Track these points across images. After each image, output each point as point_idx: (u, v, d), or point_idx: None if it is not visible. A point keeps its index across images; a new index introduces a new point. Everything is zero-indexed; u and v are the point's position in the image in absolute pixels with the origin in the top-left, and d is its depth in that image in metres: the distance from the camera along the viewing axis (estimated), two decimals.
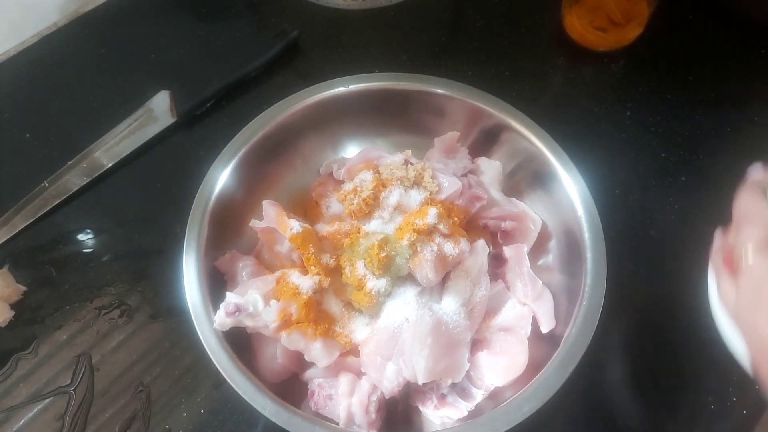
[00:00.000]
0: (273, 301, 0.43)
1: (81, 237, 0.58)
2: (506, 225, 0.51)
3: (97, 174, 0.60)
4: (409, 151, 0.51)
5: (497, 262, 0.51)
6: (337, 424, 0.43)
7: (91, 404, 0.49)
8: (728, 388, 0.50)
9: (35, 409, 0.49)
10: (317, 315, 0.44)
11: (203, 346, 0.43)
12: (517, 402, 0.41)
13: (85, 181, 0.60)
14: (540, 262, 0.52)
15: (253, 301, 0.43)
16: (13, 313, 0.53)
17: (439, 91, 0.54)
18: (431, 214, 0.45)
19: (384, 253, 0.44)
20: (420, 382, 0.42)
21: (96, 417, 0.49)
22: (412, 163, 0.50)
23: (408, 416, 0.46)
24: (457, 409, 0.43)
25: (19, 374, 0.51)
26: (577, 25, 0.67)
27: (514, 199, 0.53)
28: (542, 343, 0.46)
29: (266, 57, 0.67)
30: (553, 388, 0.41)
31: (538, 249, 0.52)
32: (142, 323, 0.53)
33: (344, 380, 0.44)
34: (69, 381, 0.50)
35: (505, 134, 0.53)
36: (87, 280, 0.55)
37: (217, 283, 0.47)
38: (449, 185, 0.49)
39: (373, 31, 0.72)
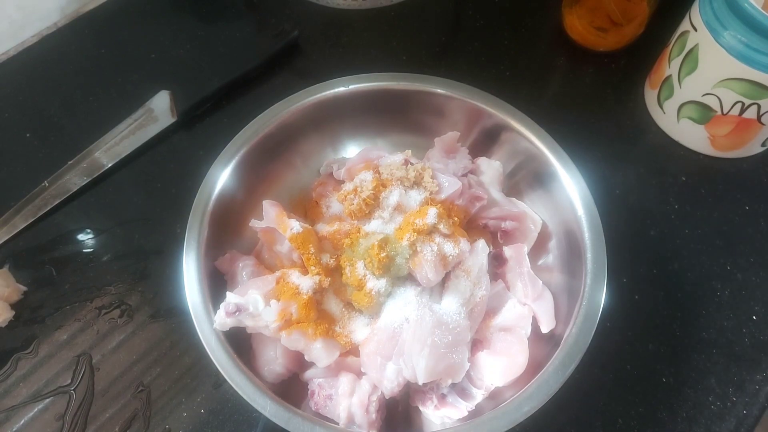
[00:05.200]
0: (273, 301, 0.43)
1: (81, 237, 0.58)
2: (506, 225, 0.51)
3: (97, 174, 0.60)
4: (409, 151, 0.51)
5: (497, 262, 0.51)
6: (337, 424, 0.43)
7: (91, 404, 0.49)
8: (728, 388, 0.50)
9: (35, 409, 0.49)
10: (317, 315, 0.44)
11: (203, 346, 0.43)
12: (517, 402, 0.41)
13: (85, 181, 0.60)
14: (540, 262, 0.52)
15: (253, 301, 0.43)
16: (13, 313, 0.53)
17: (439, 91, 0.54)
18: (431, 214, 0.45)
19: (384, 253, 0.44)
20: (420, 382, 0.42)
21: (96, 417, 0.49)
22: (412, 163, 0.50)
23: (408, 416, 0.46)
24: (457, 409, 0.43)
25: (19, 374, 0.51)
26: (577, 25, 0.67)
27: (514, 199, 0.53)
28: (542, 343, 0.46)
29: (266, 57, 0.67)
30: (553, 388, 0.41)
31: (538, 249, 0.52)
32: (142, 323, 0.53)
33: (344, 380, 0.44)
34: (69, 381, 0.50)
35: (505, 134, 0.53)
36: (87, 280, 0.55)
37: (217, 283, 0.47)
38: (449, 185, 0.49)
39: (373, 31, 0.72)
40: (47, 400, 0.49)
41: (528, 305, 0.48)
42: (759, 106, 0.54)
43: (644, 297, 0.54)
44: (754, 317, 0.53)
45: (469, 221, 0.51)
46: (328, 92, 0.53)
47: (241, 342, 0.45)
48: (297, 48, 0.69)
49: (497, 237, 0.52)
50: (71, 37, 0.71)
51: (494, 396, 0.45)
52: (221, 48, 0.70)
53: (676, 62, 0.58)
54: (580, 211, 0.47)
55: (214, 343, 0.43)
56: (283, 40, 0.68)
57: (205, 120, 0.64)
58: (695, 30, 0.55)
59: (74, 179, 0.60)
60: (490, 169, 0.54)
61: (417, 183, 0.49)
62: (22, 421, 0.49)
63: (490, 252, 0.49)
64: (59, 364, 0.51)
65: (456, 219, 0.48)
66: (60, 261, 0.56)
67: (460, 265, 0.47)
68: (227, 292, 0.43)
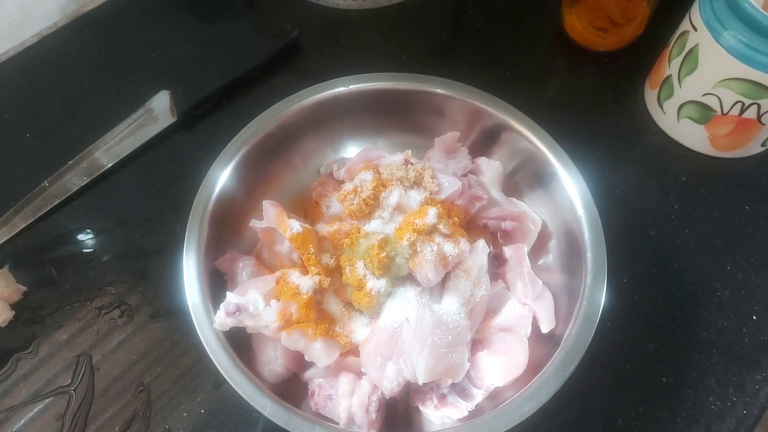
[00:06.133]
0: (273, 301, 0.43)
1: (81, 237, 0.58)
2: (506, 225, 0.51)
3: (97, 174, 0.60)
4: (409, 151, 0.51)
5: (497, 262, 0.51)
6: (337, 424, 0.43)
7: (91, 404, 0.49)
8: (728, 388, 0.50)
9: (35, 409, 0.49)
10: (317, 315, 0.44)
11: (203, 346, 0.43)
12: (517, 402, 0.41)
13: (85, 181, 0.60)
14: (540, 262, 0.52)
15: (253, 301, 0.43)
16: (13, 313, 0.53)
17: (439, 91, 0.54)
18: (431, 214, 0.45)
19: (384, 253, 0.44)
20: (420, 382, 0.42)
21: (96, 417, 0.49)
22: (412, 163, 0.50)
23: (408, 416, 0.46)
24: (457, 409, 0.43)
25: (19, 374, 0.51)
26: (577, 25, 0.67)
27: (514, 199, 0.53)
28: (542, 343, 0.46)
29: (266, 57, 0.67)
30: (553, 388, 0.41)
31: (538, 249, 0.52)
32: (142, 323, 0.53)
33: (344, 380, 0.44)
34: (69, 381, 0.50)
35: (505, 134, 0.53)
36: (87, 280, 0.55)
37: (217, 283, 0.47)
38: (449, 185, 0.49)
39: (373, 31, 0.72)
40: (47, 400, 0.49)
41: (528, 305, 0.48)
42: (759, 106, 0.54)
43: (644, 297, 0.54)
44: (754, 317, 0.53)
45: (469, 221, 0.51)
46: (328, 92, 0.53)
47: (241, 342, 0.45)
48: (297, 48, 0.69)
49: (497, 237, 0.52)
50: (71, 37, 0.71)
51: (494, 396, 0.45)
52: (221, 48, 0.70)
53: (676, 62, 0.58)
54: (580, 211, 0.47)
55: (214, 343, 0.43)
56: (283, 40, 0.68)
57: (205, 120, 0.64)
58: (695, 30, 0.55)
59: (74, 179, 0.60)
60: (490, 169, 0.54)
61: (417, 183, 0.49)
62: (22, 421, 0.49)
63: (490, 252, 0.49)
64: (59, 364, 0.51)
65: (456, 219, 0.48)
66: (60, 261, 0.56)
67: (460, 265, 0.47)
68: (227, 292, 0.43)
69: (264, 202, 0.48)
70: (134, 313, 0.54)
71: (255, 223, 0.48)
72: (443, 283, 0.47)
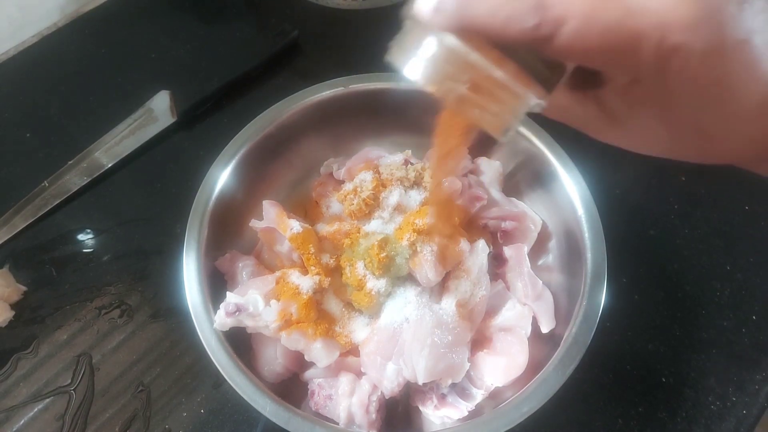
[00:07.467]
0: (273, 301, 0.43)
1: (81, 237, 0.58)
2: (506, 225, 0.51)
3: (97, 174, 0.60)
4: (409, 151, 0.51)
5: (497, 262, 0.51)
6: (337, 424, 0.43)
7: (91, 404, 0.49)
8: (728, 388, 0.50)
9: (35, 409, 0.49)
10: (317, 315, 0.44)
11: (203, 346, 0.43)
12: (517, 402, 0.41)
13: (85, 181, 0.60)
14: (540, 262, 0.52)
15: (253, 301, 0.43)
16: (13, 313, 0.53)
17: None
18: (431, 214, 0.45)
19: (384, 253, 0.44)
20: (420, 382, 0.42)
21: (96, 417, 0.49)
22: (412, 163, 0.50)
23: (408, 416, 0.46)
24: (457, 409, 0.43)
25: (19, 374, 0.51)
26: None
27: (514, 199, 0.53)
28: (542, 343, 0.46)
29: (266, 57, 0.67)
30: (553, 388, 0.41)
31: (538, 249, 0.52)
32: (142, 323, 0.53)
33: (344, 380, 0.44)
34: (69, 381, 0.50)
35: None
36: (87, 280, 0.55)
37: (217, 283, 0.47)
38: (449, 185, 0.49)
39: (373, 31, 0.72)
40: (47, 400, 0.49)
41: (528, 305, 0.48)
42: None
43: (644, 297, 0.54)
44: (754, 317, 0.53)
45: (469, 221, 0.51)
46: (328, 92, 0.53)
47: (241, 342, 0.45)
48: (297, 48, 0.69)
49: (497, 237, 0.52)
50: (71, 37, 0.71)
51: (494, 396, 0.45)
52: (221, 48, 0.70)
53: None
54: (580, 211, 0.47)
55: (214, 343, 0.43)
56: (283, 40, 0.68)
57: (205, 120, 0.64)
58: None
59: (74, 179, 0.60)
60: (490, 169, 0.54)
61: (417, 183, 0.49)
62: (22, 421, 0.49)
63: (490, 252, 0.49)
64: (59, 364, 0.51)
65: (456, 219, 0.48)
66: (60, 261, 0.56)
67: (460, 265, 0.47)
68: (227, 292, 0.43)
69: (264, 202, 0.48)
70: (134, 313, 0.53)
71: (255, 223, 0.48)
72: (443, 283, 0.47)
